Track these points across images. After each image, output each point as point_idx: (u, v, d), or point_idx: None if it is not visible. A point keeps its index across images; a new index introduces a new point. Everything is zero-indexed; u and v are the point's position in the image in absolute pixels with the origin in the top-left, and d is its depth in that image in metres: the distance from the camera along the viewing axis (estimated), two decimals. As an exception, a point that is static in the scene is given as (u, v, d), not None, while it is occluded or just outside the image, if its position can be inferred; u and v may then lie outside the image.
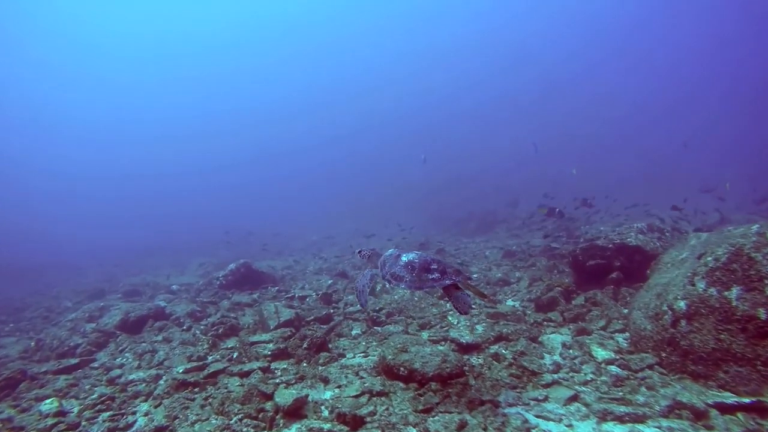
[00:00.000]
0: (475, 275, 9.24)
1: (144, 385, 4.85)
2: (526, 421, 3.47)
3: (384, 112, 66.01)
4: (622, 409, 3.51)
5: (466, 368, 4.54)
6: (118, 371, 5.37)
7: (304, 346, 5.33)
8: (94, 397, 4.62)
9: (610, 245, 7.07)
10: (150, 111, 73.23)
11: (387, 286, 3.98)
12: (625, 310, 5.93)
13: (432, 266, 3.61)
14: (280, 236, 23.39)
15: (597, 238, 7.55)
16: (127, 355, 5.94)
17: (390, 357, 4.50)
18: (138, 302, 9.30)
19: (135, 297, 10.72)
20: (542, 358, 4.79)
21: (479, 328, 5.85)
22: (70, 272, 18.18)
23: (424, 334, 5.71)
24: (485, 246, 13.16)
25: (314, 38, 71.03)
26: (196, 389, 4.57)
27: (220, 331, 6.22)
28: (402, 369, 4.36)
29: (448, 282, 3.53)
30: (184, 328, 6.75)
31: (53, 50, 64.97)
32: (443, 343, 5.29)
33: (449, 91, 62.36)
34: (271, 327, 6.12)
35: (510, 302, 7.44)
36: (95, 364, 5.83)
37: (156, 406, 4.24)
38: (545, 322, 5.88)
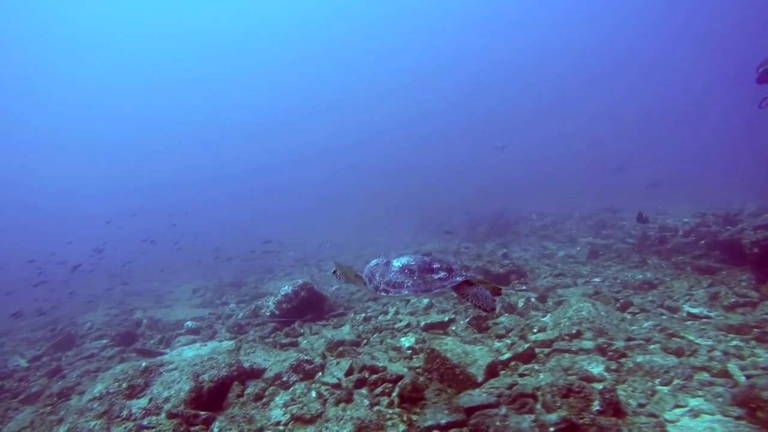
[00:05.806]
0: (596, 279, 7.70)
1: None
2: None
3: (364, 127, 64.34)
4: None
5: None
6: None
7: (595, 408, 3.27)
8: None
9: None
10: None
11: (383, 296, 3.18)
12: None
13: (434, 265, 3.20)
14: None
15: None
16: (258, 459, 3.35)
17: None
18: (154, 351, 6.40)
19: (135, 342, 7.58)
20: None
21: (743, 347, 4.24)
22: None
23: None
24: (543, 248, 11.75)
25: (310, 45, 66.87)
26: None
27: (395, 395, 3.86)
28: None
29: (459, 279, 3.10)
30: (319, 394, 4.19)
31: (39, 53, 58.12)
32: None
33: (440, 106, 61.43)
34: (479, 379, 3.95)
35: (691, 308, 5.96)
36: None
37: None
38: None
